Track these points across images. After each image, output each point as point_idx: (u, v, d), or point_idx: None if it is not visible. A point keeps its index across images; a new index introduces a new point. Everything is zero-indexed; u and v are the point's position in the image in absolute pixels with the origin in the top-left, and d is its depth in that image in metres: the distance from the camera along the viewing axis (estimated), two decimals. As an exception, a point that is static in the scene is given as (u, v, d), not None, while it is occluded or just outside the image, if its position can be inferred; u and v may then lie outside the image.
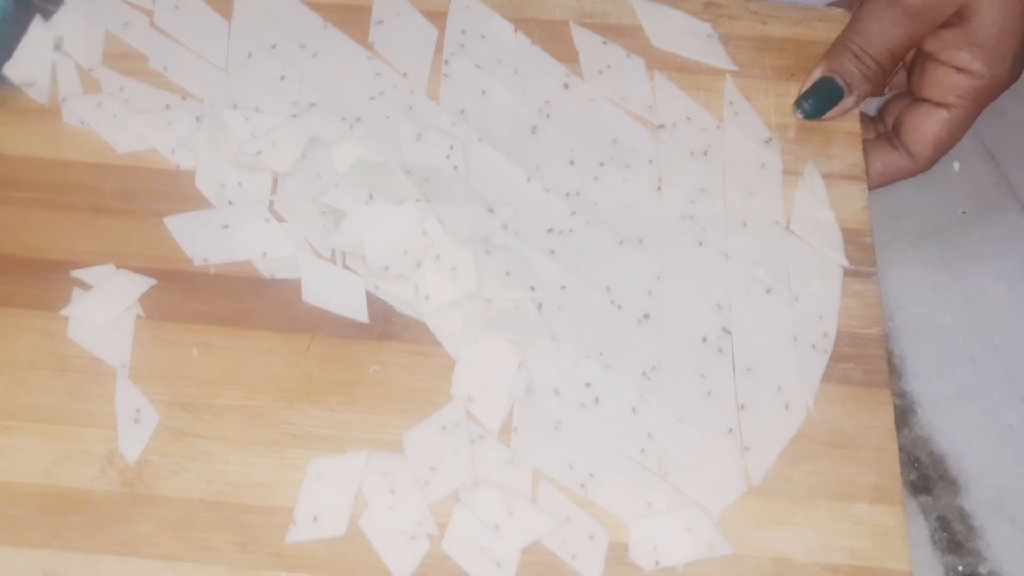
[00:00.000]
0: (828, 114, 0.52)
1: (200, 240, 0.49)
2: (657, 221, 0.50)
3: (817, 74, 0.52)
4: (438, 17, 0.55)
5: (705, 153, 0.52)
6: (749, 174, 0.52)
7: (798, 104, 0.53)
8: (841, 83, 0.52)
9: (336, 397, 0.46)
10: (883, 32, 0.51)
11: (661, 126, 0.53)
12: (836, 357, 0.48)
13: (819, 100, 0.52)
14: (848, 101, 0.52)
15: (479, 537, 0.43)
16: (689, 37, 0.55)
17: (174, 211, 0.50)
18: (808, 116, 0.52)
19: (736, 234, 0.50)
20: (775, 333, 0.48)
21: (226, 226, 0.49)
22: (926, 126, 0.52)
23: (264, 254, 0.49)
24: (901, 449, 0.47)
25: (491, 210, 0.49)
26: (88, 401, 0.46)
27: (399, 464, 0.45)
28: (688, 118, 0.53)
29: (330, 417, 0.46)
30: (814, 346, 0.48)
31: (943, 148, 0.52)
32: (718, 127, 0.53)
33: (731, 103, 0.54)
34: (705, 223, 0.50)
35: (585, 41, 0.55)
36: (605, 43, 0.55)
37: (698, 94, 0.54)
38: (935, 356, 0.52)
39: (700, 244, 0.50)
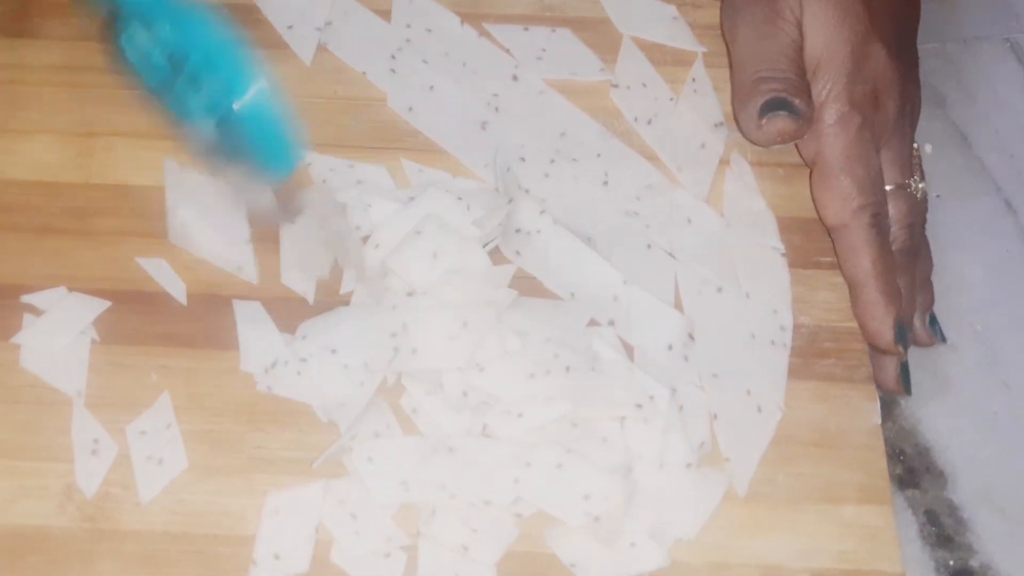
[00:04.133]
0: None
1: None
2: (604, 218, 0.49)
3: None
4: (387, 15, 0.54)
5: (649, 122, 0.51)
6: (685, 151, 0.51)
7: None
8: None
9: (305, 418, 0.45)
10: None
11: (615, 85, 0.52)
12: (816, 353, 0.47)
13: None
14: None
15: (451, 564, 0.42)
16: (655, 20, 0.54)
17: (126, 228, 0.48)
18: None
19: (681, 231, 0.49)
20: (733, 334, 0.47)
21: None
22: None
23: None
24: (886, 442, 0.46)
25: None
26: (43, 433, 0.44)
27: (354, 487, 0.43)
28: (644, 84, 0.52)
29: (300, 439, 0.44)
30: (772, 342, 0.47)
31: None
32: (671, 100, 0.52)
33: (694, 80, 0.53)
34: (649, 220, 0.49)
35: (508, 35, 0.53)
36: (526, 29, 0.53)
37: (663, 69, 0.53)
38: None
39: (649, 247, 0.49)
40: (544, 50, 0.53)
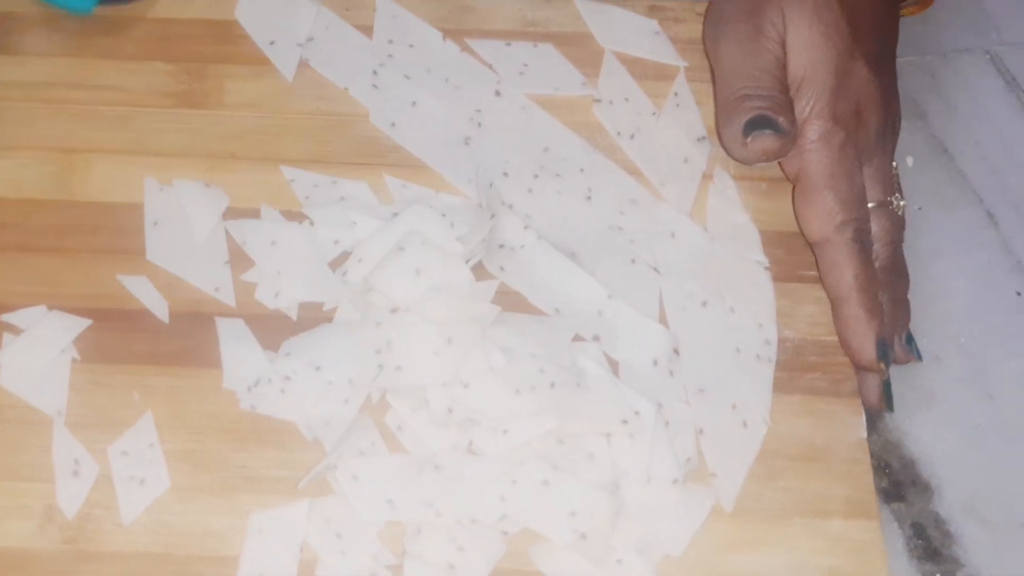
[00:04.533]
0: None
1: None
2: (588, 233, 0.49)
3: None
4: (368, 31, 0.54)
5: (632, 136, 0.51)
6: (668, 165, 0.51)
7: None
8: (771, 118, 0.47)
9: (290, 436, 0.44)
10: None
11: (598, 100, 0.52)
12: (802, 367, 0.47)
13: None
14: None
15: (438, 583, 0.42)
16: (636, 35, 0.54)
17: (107, 246, 0.48)
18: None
19: (665, 246, 0.49)
20: (718, 348, 0.47)
21: None
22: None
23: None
24: (871, 455, 0.46)
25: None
26: (24, 453, 0.44)
27: (339, 505, 0.43)
28: (626, 99, 0.52)
29: (283, 457, 0.44)
30: (758, 356, 0.47)
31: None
32: (654, 114, 0.52)
33: (676, 95, 0.53)
34: (633, 234, 0.49)
35: (490, 50, 0.53)
36: (508, 44, 0.53)
37: (645, 84, 0.53)
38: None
39: (633, 261, 0.48)
40: (526, 65, 0.53)
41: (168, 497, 0.43)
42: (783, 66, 0.48)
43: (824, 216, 0.47)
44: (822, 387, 0.47)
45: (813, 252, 0.48)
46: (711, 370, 0.46)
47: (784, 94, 0.48)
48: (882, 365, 0.46)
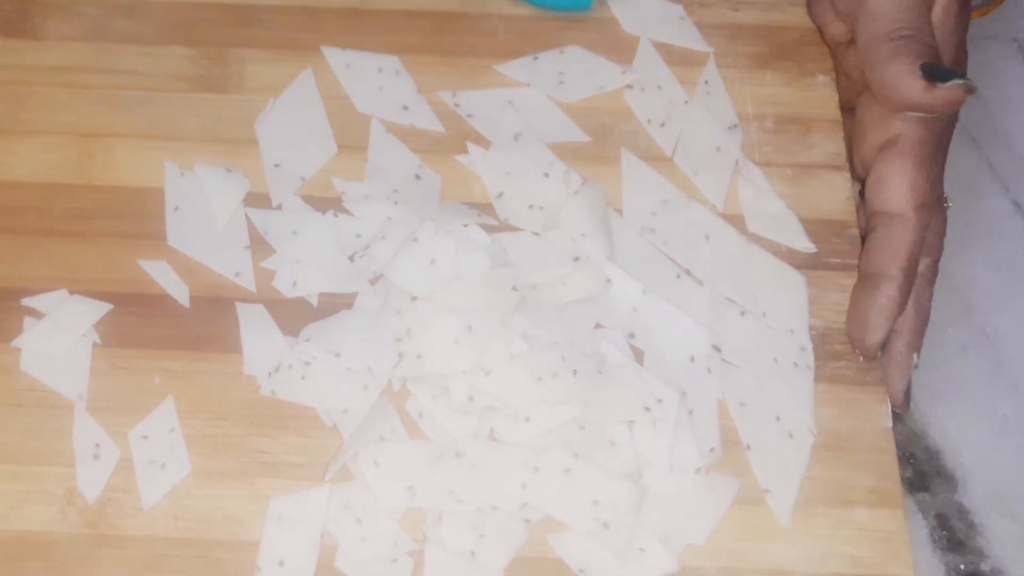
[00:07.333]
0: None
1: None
2: (621, 237, 0.48)
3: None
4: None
5: (662, 124, 0.51)
6: (700, 154, 0.50)
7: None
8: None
9: (310, 422, 0.44)
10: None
11: (629, 86, 0.51)
12: (827, 356, 0.46)
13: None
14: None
15: (458, 569, 0.41)
16: (661, 21, 0.54)
17: (128, 230, 0.48)
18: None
19: (698, 248, 0.48)
20: (757, 359, 0.46)
21: None
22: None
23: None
24: (896, 445, 0.46)
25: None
26: (45, 438, 0.44)
27: (359, 491, 0.43)
28: (659, 87, 0.52)
29: (303, 443, 0.44)
30: (795, 364, 0.46)
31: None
32: (686, 103, 0.51)
33: (706, 82, 0.52)
34: (667, 236, 0.48)
35: (519, 69, 0.52)
36: (535, 59, 0.52)
37: (672, 70, 0.52)
38: (925, 347, 0.51)
39: (678, 277, 0.47)
40: (562, 73, 0.52)
41: (188, 482, 0.43)
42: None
43: (910, 190, 0.45)
44: (848, 376, 0.46)
45: (870, 222, 0.46)
46: (751, 383, 0.45)
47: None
48: (879, 354, 0.45)
